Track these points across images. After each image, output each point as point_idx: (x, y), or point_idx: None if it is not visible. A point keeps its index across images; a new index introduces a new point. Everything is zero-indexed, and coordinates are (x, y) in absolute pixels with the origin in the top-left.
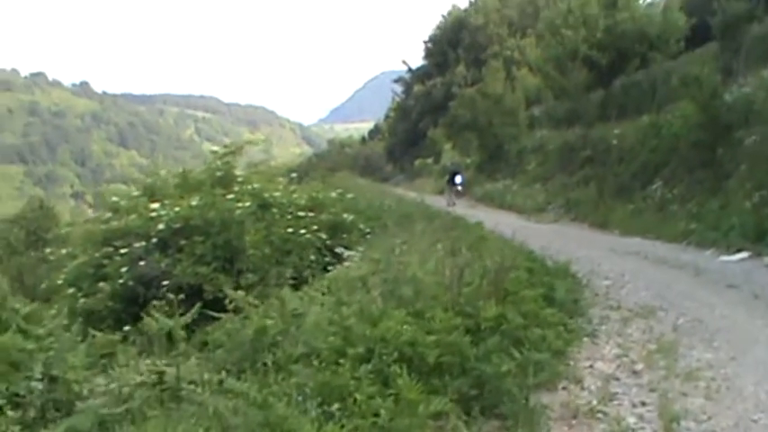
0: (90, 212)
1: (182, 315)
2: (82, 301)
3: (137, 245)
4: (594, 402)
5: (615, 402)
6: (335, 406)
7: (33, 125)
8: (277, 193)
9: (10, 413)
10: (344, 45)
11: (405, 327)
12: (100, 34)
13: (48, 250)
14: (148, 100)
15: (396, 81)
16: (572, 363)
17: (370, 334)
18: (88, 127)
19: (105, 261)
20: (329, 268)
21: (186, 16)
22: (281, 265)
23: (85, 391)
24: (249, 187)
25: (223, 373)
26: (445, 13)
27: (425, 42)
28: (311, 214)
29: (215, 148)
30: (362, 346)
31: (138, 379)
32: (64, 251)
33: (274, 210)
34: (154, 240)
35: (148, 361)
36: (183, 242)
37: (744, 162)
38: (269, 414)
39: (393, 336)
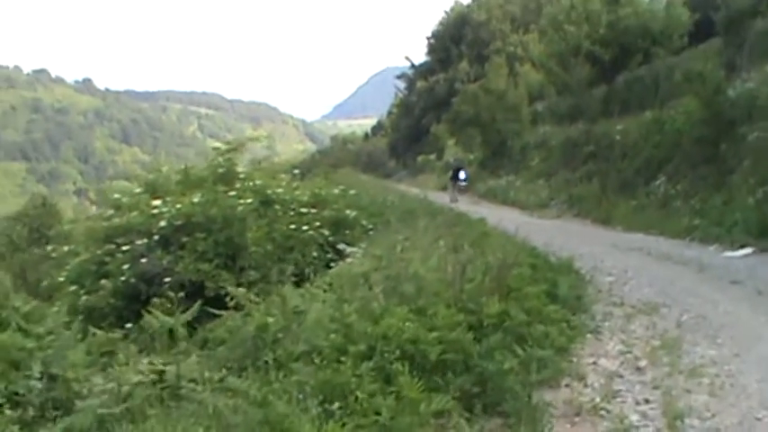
0: (93, 209)
1: (183, 312)
2: (84, 298)
3: (138, 242)
4: (598, 399)
5: (618, 399)
6: (336, 404)
7: (36, 122)
8: (279, 190)
9: (9, 412)
10: (347, 41)
11: (407, 324)
12: (103, 31)
13: (49, 247)
14: (151, 97)
15: (399, 77)
16: (575, 359)
17: (372, 331)
18: (91, 124)
19: (107, 258)
20: (331, 265)
21: (189, 13)
22: (283, 262)
23: (85, 390)
24: (251, 184)
25: (224, 371)
26: (448, 9)
27: (428, 38)
28: (313, 211)
29: (217, 144)
30: (364, 344)
31: (136, 378)
32: (66, 248)
33: (276, 206)
34: (156, 237)
35: (145, 360)
36: (184, 239)
37: (747, 158)
38: (269, 412)
39: (395, 333)
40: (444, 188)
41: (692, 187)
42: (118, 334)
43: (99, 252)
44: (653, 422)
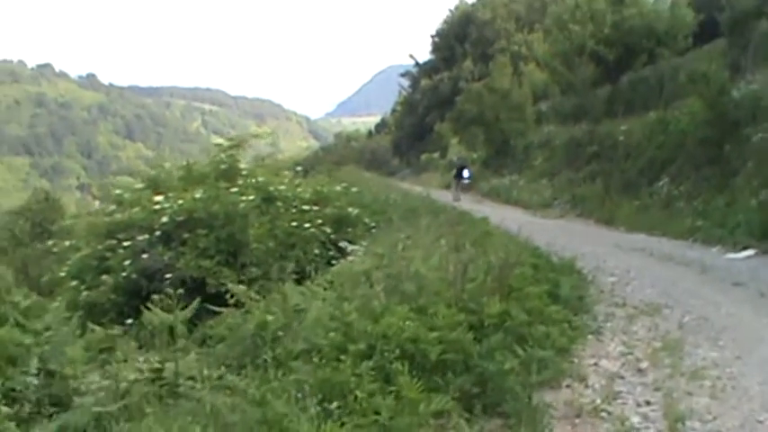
0: (96, 204)
1: (183, 309)
2: (85, 293)
3: (140, 238)
4: (598, 401)
5: (619, 401)
6: (335, 404)
7: (40, 117)
8: (282, 187)
9: (5, 409)
10: (352, 39)
11: (407, 323)
12: (107, 26)
13: (50, 242)
14: (155, 92)
15: (403, 75)
16: (576, 360)
17: (372, 330)
18: (95, 119)
19: (108, 254)
20: (333, 263)
21: (193, 9)
22: (284, 260)
23: (83, 387)
24: (253, 180)
25: (223, 369)
26: (453, 8)
27: (433, 37)
28: (316, 208)
29: (219, 140)
30: (364, 343)
31: (133, 376)
32: (67, 243)
33: (279, 203)
34: (157, 233)
35: (141, 358)
36: (186, 235)
37: (751, 159)
38: (267, 411)
39: (395, 332)
40: (447, 187)
41: (696, 188)
42: (118, 330)
43: (100, 247)
44: (654, 424)
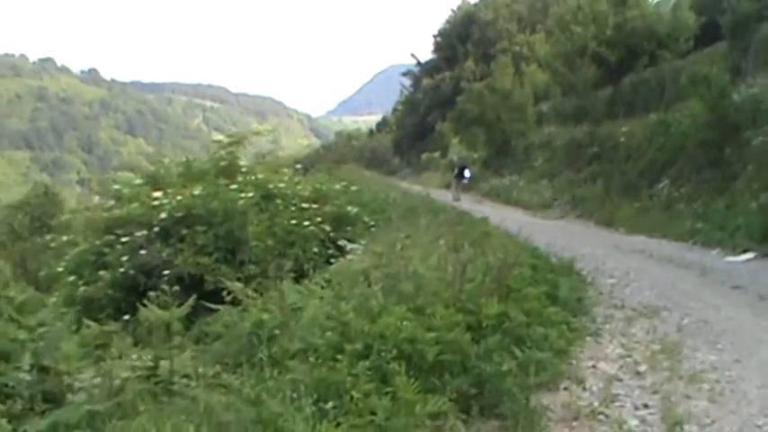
0: (96, 199)
1: (179, 306)
2: (82, 289)
3: (138, 233)
4: (596, 404)
5: (617, 404)
6: (331, 404)
7: (41, 111)
8: (281, 184)
9: None
10: (353, 37)
11: (404, 323)
12: (109, 21)
13: (48, 237)
14: (157, 88)
15: (404, 74)
16: (574, 362)
17: (369, 330)
18: (96, 114)
19: (106, 249)
20: (332, 261)
21: (196, 5)
22: (283, 257)
23: (77, 383)
24: (253, 178)
25: (218, 367)
26: (455, 8)
27: (435, 36)
28: (315, 206)
29: (219, 137)
30: (360, 343)
31: (125, 374)
32: (65, 238)
33: (278, 201)
34: (156, 229)
35: (134, 356)
36: (184, 232)
37: (751, 162)
38: (262, 411)
39: (392, 332)
40: (448, 186)
41: (696, 191)
42: (114, 326)
43: (98, 243)
44: (652, 428)
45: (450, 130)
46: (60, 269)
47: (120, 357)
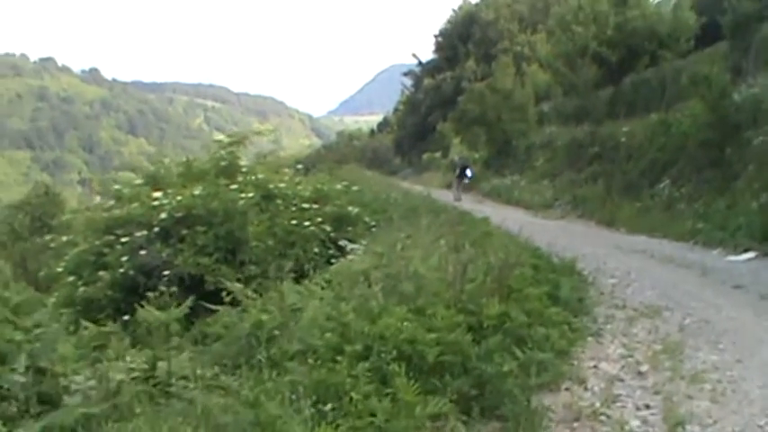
0: (97, 199)
1: (178, 306)
2: (81, 289)
3: (138, 234)
4: (598, 404)
5: (619, 404)
6: (330, 405)
7: (42, 111)
8: (282, 185)
9: None
10: (355, 37)
11: (405, 324)
12: (111, 21)
13: (48, 237)
14: (158, 88)
15: (405, 74)
16: (576, 363)
17: (369, 331)
18: (97, 114)
19: (106, 249)
20: (333, 261)
21: (198, 4)
22: (284, 258)
23: (73, 385)
24: (253, 178)
25: (216, 369)
26: (456, 8)
27: (436, 36)
28: (316, 206)
29: (220, 137)
30: (360, 344)
31: (119, 376)
32: (65, 238)
33: (278, 201)
34: (155, 229)
35: (128, 358)
36: (184, 232)
37: (752, 162)
38: (260, 413)
39: (392, 333)
40: (449, 186)
41: (697, 190)
42: (112, 327)
43: (98, 243)
44: (653, 428)
45: (452, 130)
46: (60, 269)
47: (117, 359)
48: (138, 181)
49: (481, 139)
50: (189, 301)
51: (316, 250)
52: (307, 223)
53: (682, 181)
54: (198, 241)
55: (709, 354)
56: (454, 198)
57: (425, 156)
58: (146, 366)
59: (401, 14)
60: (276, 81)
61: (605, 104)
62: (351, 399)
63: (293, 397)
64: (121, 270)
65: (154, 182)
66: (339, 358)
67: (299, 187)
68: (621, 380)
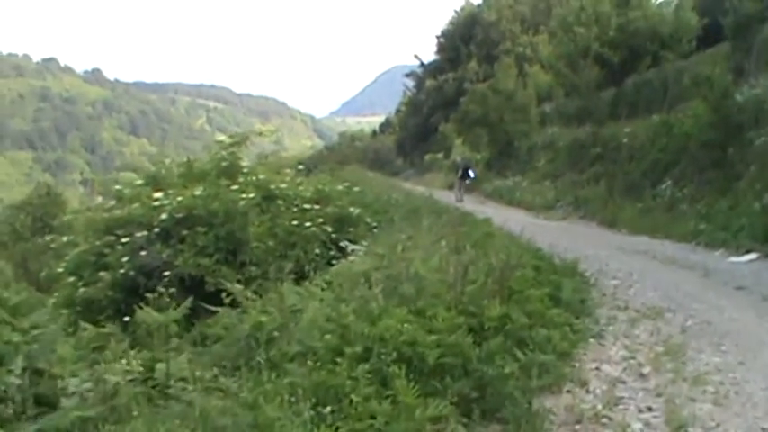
0: (99, 200)
1: (177, 307)
2: (82, 290)
3: (138, 234)
4: (600, 407)
5: (621, 407)
6: (329, 408)
7: (44, 111)
8: (283, 185)
9: None
10: (357, 38)
11: (405, 325)
12: (113, 21)
13: (48, 237)
14: (160, 89)
15: (407, 75)
16: (577, 365)
17: (369, 332)
18: (99, 114)
19: (107, 250)
20: (334, 262)
21: (200, 5)
22: (284, 259)
23: (70, 387)
24: (254, 178)
25: (215, 371)
26: (458, 9)
27: (438, 37)
28: (317, 207)
29: (221, 137)
30: (360, 345)
31: (115, 379)
32: (65, 239)
33: (279, 202)
34: (156, 230)
35: (123, 361)
36: (185, 233)
37: (754, 163)
38: (259, 415)
39: (392, 335)
40: (451, 187)
41: (699, 191)
42: (111, 328)
43: (98, 243)
44: (656, 431)
45: (454, 131)
46: (60, 270)
47: (114, 360)
48: (139, 181)
49: (483, 140)
50: (187, 303)
51: (317, 251)
52: (308, 224)
53: (684, 182)
54: (198, 242)
55: (711, 356)
56: (456, 199)
57: (427, 157)
58: (141, 369)
59: (403, 15)
60: (278, 82)
61: (607, 105)
62: (350, 401)
63: (292, 399)
64: (122, 271)
65: (155, 182)
66: (339, 360)
67: (301, 188)
68: (623, 382)
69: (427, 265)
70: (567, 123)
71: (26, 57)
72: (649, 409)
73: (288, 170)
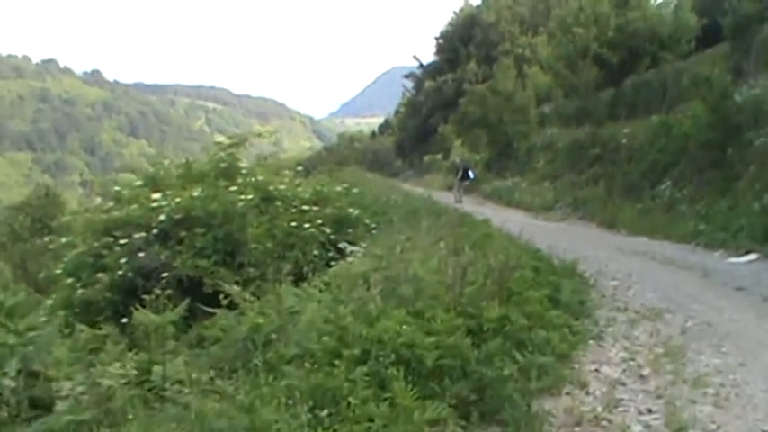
0: (98, 201)
1: (174, 308)
2: (80, 291)
3: (137, 235)
4: (599, 409)
5: (620, 409)
6: (327, 410)
7: (43, 112)
8: (281, 186)
9: None
10: (356, 39)
11: (403, 327)
12: (113, 23)
13: (47, 239)
14: (160, 90)
15: (407, 76)
16: (577, 366)
17: (367, 334)
18: (99, 115)
19: (105, 251)
20: (332, 264)
21: (200, 7)
22: (283, 260)
23: (64, 390)
24: (253, 179)
25: (212, 373)
26: (457, 10)
27: (437, 38)
28: (316, 208)
29: (220, 138)
30: (358, 348)
31: (108, 382)
32: (63, 240)
33: (278, 203)
34: (154, 231)
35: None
36: (183, 234)
37: (753, 163)
38: (255, 418)
39: (391, 337)
40: (450, 188)
41: (698, 192)
42: (108, 330)
43: (96, 245)
44: None
45: (453, 132)
46: (59, 271)
47: (110, 363)
48: (138, 182)
49: (482, 141)
50: (184, 305)
51: (315, 252)
52: (306, 225)
53: (683, 182)
54: (196, 243)
55: (711, 357)
56: (455, 200)
57: (426, 158)
58: (135, 372)
59: (402, 17)
60: (277, 83)
61: (606, 106)
62: (348, 403)
63: (290, 402)
64: (120, 272)
65: (153, 183)
66: (337, 362)
67: (299, 189)
68: (623, 384)
69: (426, 266)
70: (566, 124)
71: (26, 58)
72: (649, 411)
73: (287, 171)
